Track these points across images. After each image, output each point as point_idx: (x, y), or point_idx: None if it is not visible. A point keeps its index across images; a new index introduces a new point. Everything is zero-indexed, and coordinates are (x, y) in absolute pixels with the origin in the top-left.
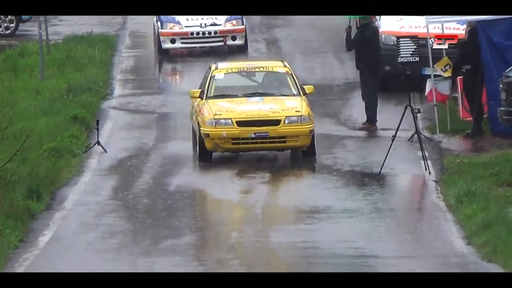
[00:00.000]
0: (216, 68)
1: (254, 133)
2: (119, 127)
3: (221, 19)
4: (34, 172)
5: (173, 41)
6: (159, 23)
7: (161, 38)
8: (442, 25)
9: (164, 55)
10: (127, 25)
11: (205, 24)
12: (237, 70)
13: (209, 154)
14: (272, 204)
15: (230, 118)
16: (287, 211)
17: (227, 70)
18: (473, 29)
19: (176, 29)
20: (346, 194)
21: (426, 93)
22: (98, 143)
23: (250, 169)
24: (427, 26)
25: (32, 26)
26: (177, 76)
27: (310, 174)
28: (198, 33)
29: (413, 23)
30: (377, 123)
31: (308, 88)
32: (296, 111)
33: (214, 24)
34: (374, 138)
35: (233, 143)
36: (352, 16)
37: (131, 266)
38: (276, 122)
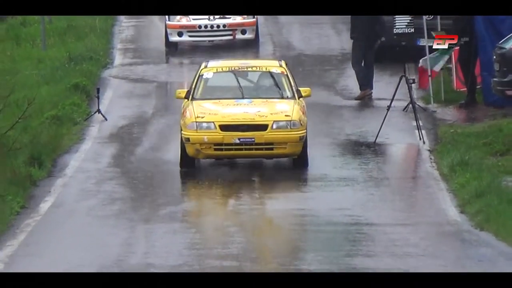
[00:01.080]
0: (206, 67)
1: (239, 139)
2: (119, 96)
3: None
4: (36, 139)
5: (180, 34)
6: (166, 16)
7: (168, 30)
8: None
9: (172, 48)
10: None
11: (214, 17)
12: (228, 69)
13: (191, 160)
14: (268, 173)
15: (213, 122)
16: (283, 179)
17: (217, 69)
18: None
19: (184, 21)
20: (342, 163)
21: (421, 64)
22: (99, 111)
23: None
24: None
25: None
26: (177, 47)
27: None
28: (206, 26)
29: None
30: (372, 90)
31: (305, 91)
32: (286, 116)
33: (223, 17)
34: (369, 107)
35: (215, 149)
36: None
37: (130, 232)
38: (262, 127)
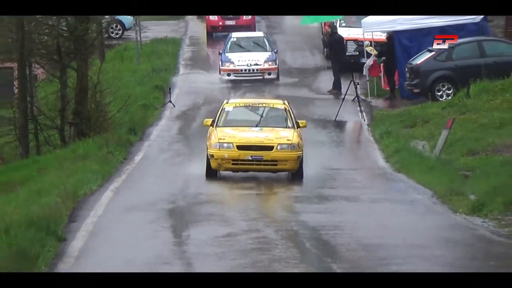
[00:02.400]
0: (227, 102)
1: (251, 156)
2: (182, 92)
3: (261, 61)
4: (132, 118)
5: (229, 75)
6: (220, 62)
7: (221, 72)
8: (372, 33)
9: (224, 83)
10: (188, 32)
11: (250, 64)
12: (244, 105)
13: (214, 172)
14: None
15: (232, 142)
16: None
17: (235, 104)
18: (390, 35)
19: (231, 66)
20: (315, 133)
21: (364, 73)
22: (170, 101)
23: None
24: (363, 33)
25: (131, 32)
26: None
27: None
28: (245, 70)
29: (356, 32)
30: (336, 91)
31: (302, 123)
32: (287, 140)
33: (256, 64)
34: (332, 99)
35: (233, 164)
36: (322, 21)
37: (188, 175)
38: (269, 148)
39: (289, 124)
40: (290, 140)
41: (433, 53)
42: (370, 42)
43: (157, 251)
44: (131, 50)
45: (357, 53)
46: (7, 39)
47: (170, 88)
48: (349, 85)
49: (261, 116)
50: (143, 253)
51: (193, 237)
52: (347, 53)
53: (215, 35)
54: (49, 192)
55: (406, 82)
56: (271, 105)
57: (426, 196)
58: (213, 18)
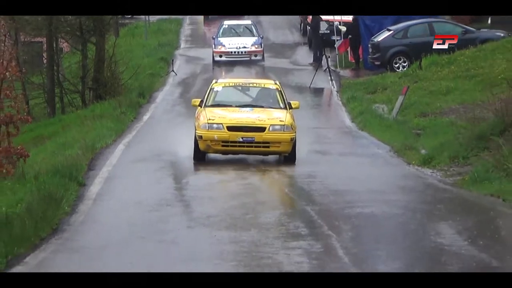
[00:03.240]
0: (216, 82)
1: (242, 138)
2: (183, 62)
3: (248, 44)
4: (141, 84)
5: (220, 56)
6: (213, 45)
7: (214, 54)
8: (341, 16)
9: (215, 64)
10: (186, 17)
11: (239, 46)
12: (233, 85)
13: (203, 154)
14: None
15: (222, 123)
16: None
17: (225, 84)
18: (355, 17)
19: (222, 49)
20: (292, 97)
21: (336, 50)
22: (173, 70)
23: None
24: (333, 16)
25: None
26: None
27: None
28: (235, 52)
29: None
30: (317, 63)
31: (294, 104)
32: (280, 121)
33: (244, 47)
34: (308, 70)
35: (222, 145)
36: None
37: (188, 130)
38: (261, 129)
39: (281, 105)
40: (283, 121)
41: (391, 31)
42: (339, 22)
43: (160, 194)
44: (141, 28)
45: (328, 31)
46: (38, 18)
47: (172, 60)
48: (321, 58)
49: (252, 97)
50: (150, 196)
51: (191, 183)
52: (320, 31)
53: (210, 17)
54: (72, 145)
55: (369, 56)
56: (262, 85)
57: (385, 151)
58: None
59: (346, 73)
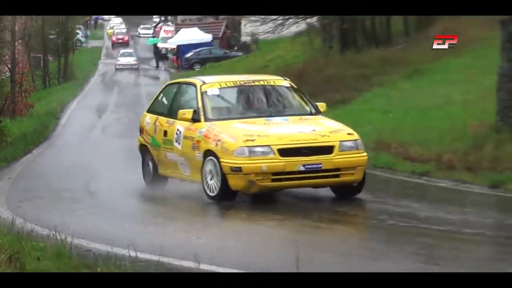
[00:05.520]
0: (204, 83)
1: (304, 165)
2: (104, 66)
3: (132, 61)
4: (84, 73)
5: (118, 66)
6: (116, 60)
7: (116, 65)
8: (170, 44)
9: (117, 69)
10: (105, 43)
11: (127, 62)
12: (233, 85)
13: (233, 195)
14: None
15: (269, 145)
16: None
17: (220, 85)
18: (178, 46)
19: (119, 62)
20: (150, 83)
21: (170, 61)
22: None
23: None
24: (167, 45)
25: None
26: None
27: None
28: (125, 64)
29: (165, 45)
30: (156, 67)
31: (321, 106)
32: (348, 134)
33: (129, 62)
34: (154, 70)
35: (273, 179)
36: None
37: (116, 94)
38: (328, 150)
39: (312, 109)
40: (353, 134)
41: (193, 52)
42: (170, 48)
43: (96, 122)
44: (83, 50)
45: (166, 52)
46: (38, 42)
47: (99, 64)
48: (158, 65)
49: (264, 100)
50: (90, 122)
51: (106, 117)
52: (162, 52)
53: (114, 46)
54: (53, 101)
55: (184, 63)
56: (272, 83)
57: None
58: (113, 38)
59: (174, 71)
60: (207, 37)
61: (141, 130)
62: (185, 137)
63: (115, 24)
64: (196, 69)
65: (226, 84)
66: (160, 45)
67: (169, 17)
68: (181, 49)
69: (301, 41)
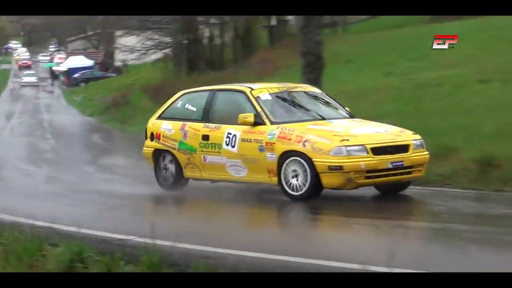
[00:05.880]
0: (252, 89)
1: (391, 163)
2: (13, 84)
3: (33, 79)
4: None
5: (23, 83)
6: (21, 78)
7: (21, 82)
8: (62, 68)
9: (22, 86)
10: (12, 66)
11: (30, 80)
12: (278, 90)
13: (319, 191)
14: None
15: (363, 145)
16: None
17: (268, 91)
18: (68, 68)
19: (23, 80)
20: (48, 96)
21: (63, 80)
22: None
23: None
24: (61, 68)
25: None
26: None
27: None
28: (29, 82)
29: (59, 68)
30: (51, 84)
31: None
32: (413, 134)
33: (31, 80)
34: (50, 86)
35: (367, 177)
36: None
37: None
38: (406, 148)
39: (344, 113)
40: (416, 134)
41: (80, 72)
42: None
43: (6, 125)
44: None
45: (59, 73)
46: None
47: (8, 82)
48: (53, 82)
49: (310, 104)
50: (0, 124)
51: (13, 121)
52: (56, 73)
53: (20, 68)
54: None
55: (73, 81)
56: (307, 89)
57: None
58: (19, 63)
59: (65, 87)
60: (89, 62)
61: (154, 136)
62: (244, 140)
63: (20, 52)
64: (81, 86)
65: (273, 90)
66: (54, 68)
67: (61, 47)
68: (70, 71)
69: (159, 66)
